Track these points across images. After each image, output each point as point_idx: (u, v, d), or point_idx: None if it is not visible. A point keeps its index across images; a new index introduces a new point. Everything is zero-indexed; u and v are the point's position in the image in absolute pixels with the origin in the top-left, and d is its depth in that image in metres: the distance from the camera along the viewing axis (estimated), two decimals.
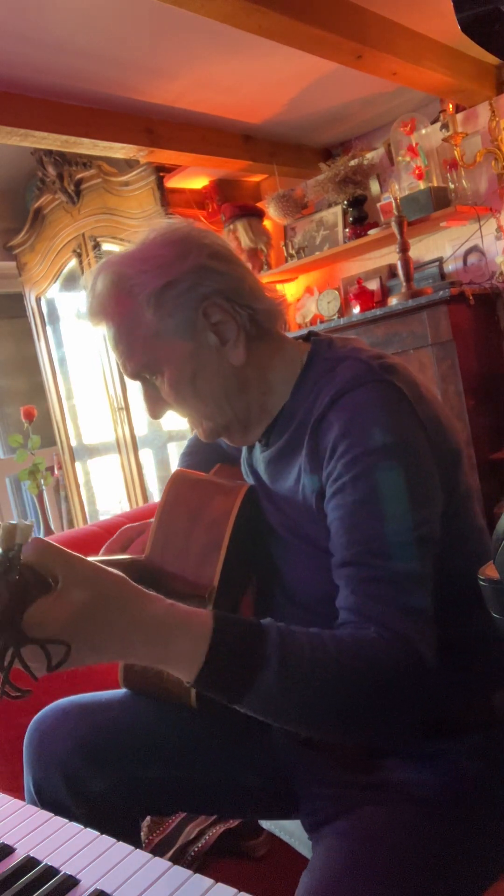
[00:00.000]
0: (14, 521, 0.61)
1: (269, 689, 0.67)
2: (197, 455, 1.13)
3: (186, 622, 0.67)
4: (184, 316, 0.85)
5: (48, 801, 0.87)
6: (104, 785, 0.87)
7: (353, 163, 3.14)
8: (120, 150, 2.87)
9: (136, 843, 0.92)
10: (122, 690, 0.96)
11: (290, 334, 0.96)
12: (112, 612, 0.63)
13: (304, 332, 0.98)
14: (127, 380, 3.72)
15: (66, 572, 0.62)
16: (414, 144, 3.00)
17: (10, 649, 0.59)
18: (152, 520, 0.94)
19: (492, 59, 2.83)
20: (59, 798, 0.86)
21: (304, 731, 0.75)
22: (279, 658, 0.67)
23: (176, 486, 0.95)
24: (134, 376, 0.90)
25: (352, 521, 0.77)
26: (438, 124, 2.98)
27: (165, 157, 3.00)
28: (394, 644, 0.71)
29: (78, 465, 4.14)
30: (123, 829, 0.88)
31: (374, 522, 0.76)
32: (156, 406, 0.92)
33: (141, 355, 0.87)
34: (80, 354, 3.90)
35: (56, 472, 4.15)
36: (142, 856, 0.60)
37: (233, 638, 0.67)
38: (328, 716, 0.71)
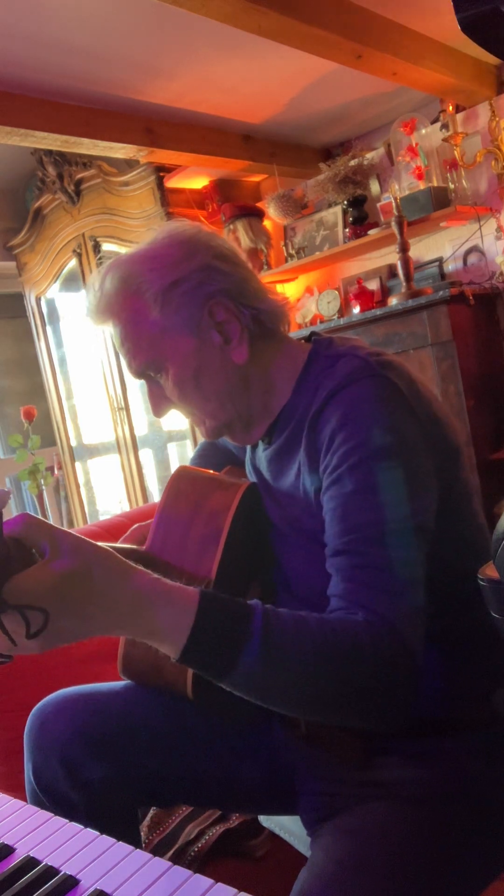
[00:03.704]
0: None
1: (252, 666, 0.68)
2: (207, 458, 1.14)
3: (172, 595, 0.68)
4: (189, 314, 0.86)
5: (46, 788, 0.87)
6: (102, 773, 0.88)
7: (353, 163, 3.15)
8: (120, 150, 2.87)
9: (135, 834, 0.93)
10: (124, 682, 0.97)
11: (292, 334, 0.97)
12: (96, 580, 0.64)
13: (305, 332, 0.99)
14: (127, 380, 3.70)
15: (52, 543, 0.64)
16: (414, 144, 3.00)
17: None
18: None
19: (492, 59, 2.84)
20: (57, 785, 0.87)
21: (289, 712, 0.77)
22: (262, 635, 0.68)
23: (178, 481, 0.96)
24: (139, 375, 0.91)
25: (345, 511, 0.78)
26: (438, 124, 2.98)
27: (165, 157, 3.00)
28: (379, 629, 0.71)
29: (78, 465, 4.14)
30: (121, 819, 0.89)
31: (367, 513, 0.76)
32: (160, 404, 0.93)
33: (146, 353, 0.88)
34: (80, 354, 3.90)
35: (56, 472, 4.15)
36: (142, 856, 0.60)
37: (217, 614, 0.68)
38: (311, 696, 0.72)
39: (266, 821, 1.12)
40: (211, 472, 1.03)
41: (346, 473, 0.78)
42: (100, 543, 0.68)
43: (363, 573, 0.75)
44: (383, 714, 0.74)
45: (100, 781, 0.87)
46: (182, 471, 0.98)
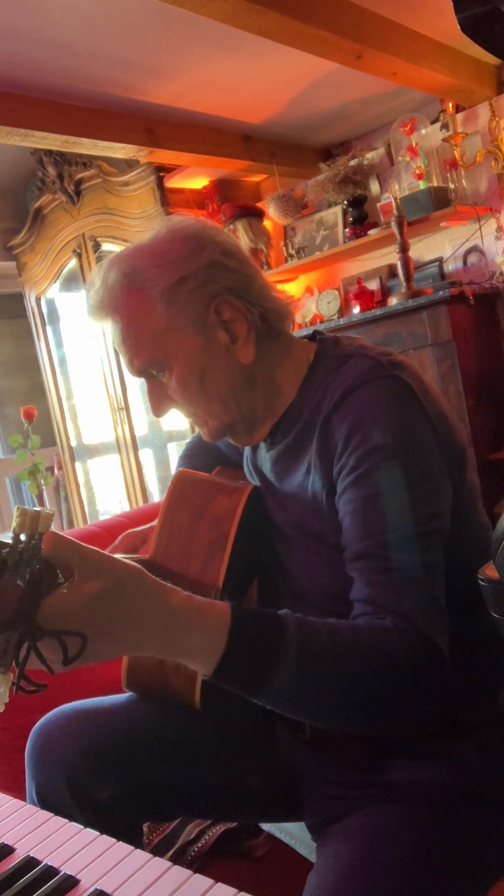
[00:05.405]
0: (37, 508, 0.60)
1: (288, 679, 0.67)
2: (196, 458, 1.12)
3: (205, 612, 0.66)
4: (195, 312, 0.84)
5: (51, 807, 0.85)
6: (109, 791, 0.86)
7: (353, 163, 3.15)
8: (120, 150, 2.87)
9: (138, 846, 0.92)
10: (125, 695, 0.95)
11: (295, 333, 0.96)
12: (129, 599, 0.62)
13: (309, 331, 0.98)
14: (127, 380, 3.66)
15: (81, 563, 0.61)
16: (414, 144, 3.00)
17: (26, 642, 0.57)
18: (155, 522, 0.94)
19: (492, 59, 2.84)
20: (62, 804, 0.85)
21: (322, 723, 0.75)
22: (298, 648, 0.67)
23: (179, 487, 0.94)
24: (140, 373, 0.89)
25: (364, 514, 0.77)
26: (438, 124, 2.98)
27: (165, 157, 3.00)
28: (410, 633, 0.71)
29: (78, 465, 4.14)
30: (127, 834, 0.88)
31: (387, 516, 0.76)
32: (160, 403, 0.91)
33: (150, 351, 0.85)
34: (80, 354, 3.90)
35: (56, 472, 4.15)
36: (142, 856, 0.60)
37: (252, 628, 0.67)
38: (346, 706, 0.71)
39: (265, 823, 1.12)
40: (212, 475, 1.02)
41: (362, 477, 0.78)
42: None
43: (386, 577, 0.74)
44: (414, 718, 0.73)
45: (106, 800, 0.85)
46: (182, 475, 0.96)
